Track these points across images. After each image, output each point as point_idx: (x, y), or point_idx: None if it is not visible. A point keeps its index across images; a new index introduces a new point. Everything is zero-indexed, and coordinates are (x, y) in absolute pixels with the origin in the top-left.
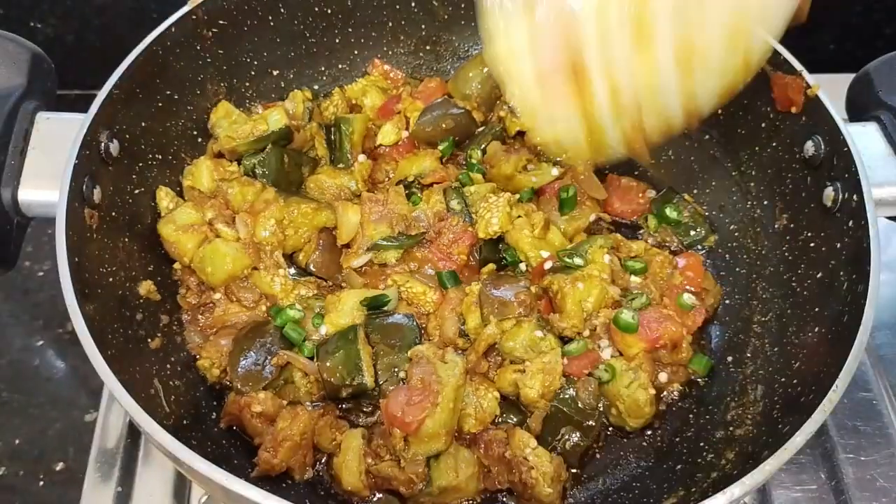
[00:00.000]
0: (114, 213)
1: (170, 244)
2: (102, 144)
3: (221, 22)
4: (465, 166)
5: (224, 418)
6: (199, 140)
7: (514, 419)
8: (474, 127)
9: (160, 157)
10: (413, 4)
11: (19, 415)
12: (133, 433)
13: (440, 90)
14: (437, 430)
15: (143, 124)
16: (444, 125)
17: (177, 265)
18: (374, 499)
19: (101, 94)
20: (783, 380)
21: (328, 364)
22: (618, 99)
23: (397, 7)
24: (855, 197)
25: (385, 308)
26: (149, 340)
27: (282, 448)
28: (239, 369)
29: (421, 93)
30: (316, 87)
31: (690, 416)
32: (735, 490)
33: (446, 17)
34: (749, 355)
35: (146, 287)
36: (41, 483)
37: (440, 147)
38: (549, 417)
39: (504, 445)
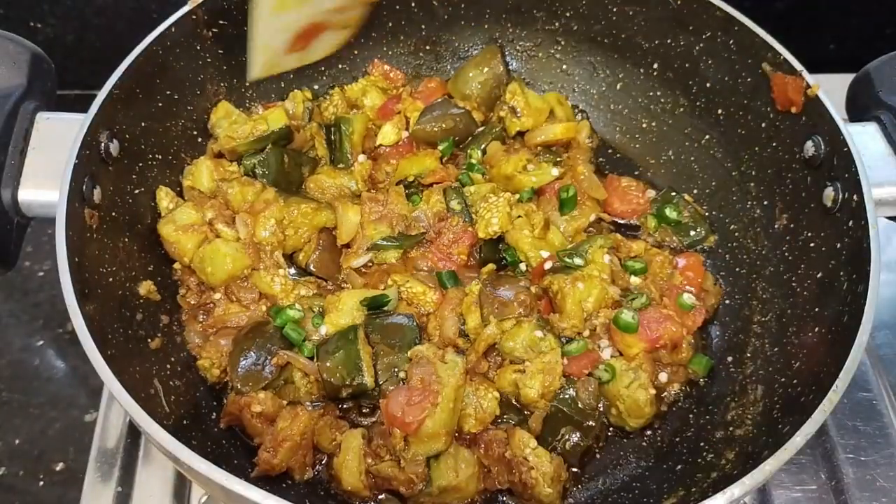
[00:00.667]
0: (114, 213)
1: (170, 244)
2: (102, 144)
3: (221, 22)
4: (465, 166)
5: (224, 418)
6: (200, 140)
7: (514, 419)
8: (474, 127)
9: (160, 157)
10: (413, 4)
11: (19, 415)
12: (133, 433)
13: (440, 90)
14: (437, 430)
15: (143, 124)
16: (444, 125)
17: (177, 265)
18: (378, 497)
19: (101, 94)
20: (783, 380)
21: (328, 364)
22: None
23: (397, 7)
24: (855, 197)
25: (385, 308)
26: (149, 340)
27: (282, 448)
28: (239, 369)
29: (421, 93)
30: (316, 87)
31: (690, 416)
32: (735, 490)
33: (446, 17)
34: (749, 355)
35: (146, 287)
36: (41, 483)
37: (440, 147)
38: (550, 417)
39: (504, 446)
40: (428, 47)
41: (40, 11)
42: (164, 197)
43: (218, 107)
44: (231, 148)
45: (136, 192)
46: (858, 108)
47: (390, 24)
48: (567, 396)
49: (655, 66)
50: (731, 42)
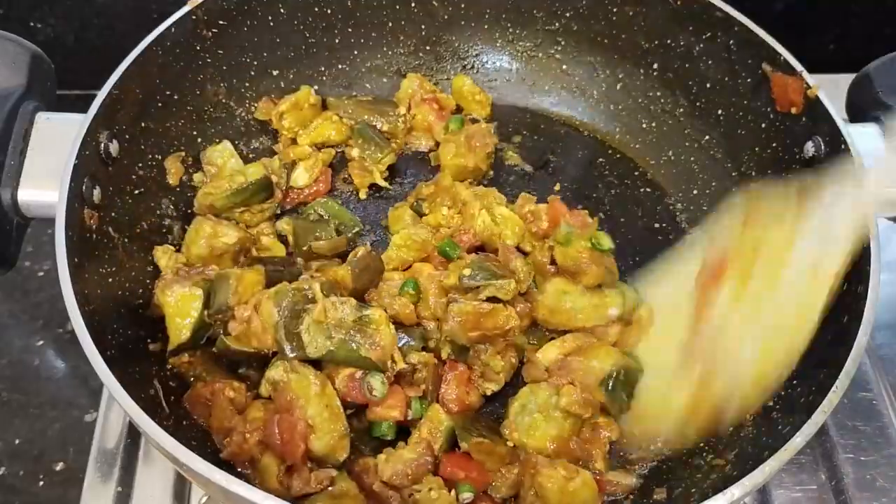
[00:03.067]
0: (114, 214)
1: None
2: (102, 145)
3: (221, 22)
4: None
5: (191, 405)
6: (199, 141)
7: None
8: None
9: (160, 157)
10: (413, 4)
11: (19, 415)
12: (133, 433)
13: None
14: (329, 444)
15: (143, 124)
16: None
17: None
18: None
19: (101, 95)
20: (783, 381)
21: None
22: None
23: (397, 7)
24: None
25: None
26: (148, 341)
27: (253, 435)
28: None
29: None
30: (316, 87)
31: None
32: (735, 491)
33: (446, 17)
34: None
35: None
36: (41, 483)
37: None
38: None
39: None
40: (428, 47)
41: (40, 11)
42: (162, 256)
43: (219, 146)
44: (209, 204)
45: (136, 192)
46: (858, 109)
47: (390, 24)
48: None
49: (655, 66)
50: (731, 42)
